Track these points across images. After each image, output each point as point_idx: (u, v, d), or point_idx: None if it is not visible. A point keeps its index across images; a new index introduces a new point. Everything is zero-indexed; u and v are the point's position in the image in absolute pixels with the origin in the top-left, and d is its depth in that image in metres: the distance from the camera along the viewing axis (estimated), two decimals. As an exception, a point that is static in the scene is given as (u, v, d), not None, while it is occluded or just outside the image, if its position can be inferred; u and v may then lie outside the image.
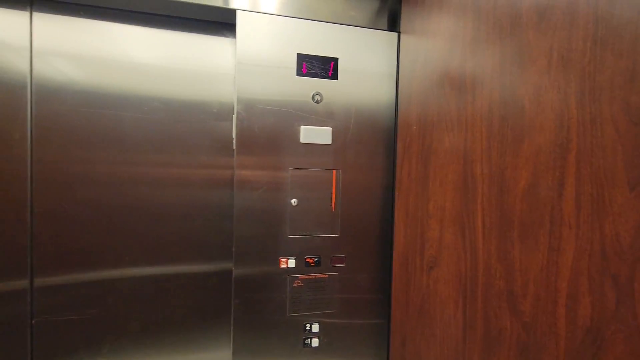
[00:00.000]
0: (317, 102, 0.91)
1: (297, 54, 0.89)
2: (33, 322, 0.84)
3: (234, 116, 0.87)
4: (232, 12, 0.86)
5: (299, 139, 0.90)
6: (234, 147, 0.88)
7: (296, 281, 0.93)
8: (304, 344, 0.94)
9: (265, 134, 0.88)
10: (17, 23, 0.80)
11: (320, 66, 0.90)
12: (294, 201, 0.91)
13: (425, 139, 0.78)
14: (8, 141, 0.81)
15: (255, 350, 0.91)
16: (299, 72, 0.89)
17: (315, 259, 0.94)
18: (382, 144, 0.96)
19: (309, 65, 0.89)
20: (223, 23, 0.93)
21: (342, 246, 0.96)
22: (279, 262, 0.92)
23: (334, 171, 0.93)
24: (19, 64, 0.81)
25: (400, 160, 0.90)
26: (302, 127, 0.90)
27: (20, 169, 0.82)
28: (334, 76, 0.92)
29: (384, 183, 0.97)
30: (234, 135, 0.89)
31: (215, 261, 0.95)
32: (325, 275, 0.95)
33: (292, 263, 0.92)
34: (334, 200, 0.94)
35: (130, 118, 0.87)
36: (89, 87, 0.85)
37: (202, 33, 0.92)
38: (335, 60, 0.91)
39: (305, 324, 0.94)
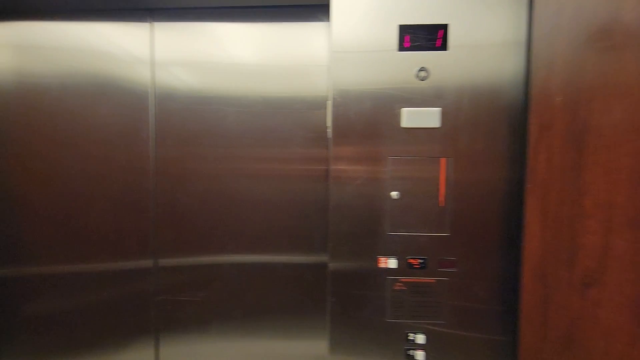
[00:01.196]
0: (421, 79, 0.78)
1: (399, 25, 0.77)
2: (157, 299, 0.94)
3: (329, 102, 0.81)
4: (326, -10, 0.80)
5: (400, 123, 0.79)
6: (329, 136, 0.82)
7: (397, 284, 0.83)
8: (407, 355, 0.83)
9: (362, 119, 0.80)
10: (139, 36, 0.90)
11: (426, 36, 0.77)
12: (394, 194, 0.81)
13: (578, 114, 0.58)
14: (136, 141, 0.91)
15: (353, 350, 0.84)
16: (401, 47, 0.78)
17: (420, 261, 0.82)
18: (505, 126, 0.78)
19: (412, 37, 0.77)
20: (316, 5, 0.87)
21: (453, 248, 0.81)
22: (377, 261, 0.83)
23: (443, 159, 0.79)
24: (143, 74, 0.90)
25: (535, 144, 0.70)
26: (404, 109, 0.79)
27: (145, 165, 0.92)
28: (443, 46, 0.77)
29: (508, 174, 0.78)
30: (328, 124, 0.83)
31: (313, 254, 0.92)
32: (432, 280, 0.82)
33: (392, 263, 0.82)
34: (442, 194, 0.80)
35: (233, 112, 0.90)
36: (198, 88, 0.90)
37: (295, 20, 0.89)
38: (445, 27, 0.77)
39: (408, 332, 0.83)
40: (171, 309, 0.94)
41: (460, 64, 0.77)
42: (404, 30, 0.78)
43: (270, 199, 0.91)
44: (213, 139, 0.90)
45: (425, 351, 0.83)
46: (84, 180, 0.92)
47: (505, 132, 0.78)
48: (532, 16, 0.73)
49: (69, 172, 0.92)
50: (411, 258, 0.82)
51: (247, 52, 0.89)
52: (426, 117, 0.78)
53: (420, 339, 0.83)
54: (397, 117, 0.80)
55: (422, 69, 0.78)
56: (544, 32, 0.69)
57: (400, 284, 0.83)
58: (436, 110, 0.78)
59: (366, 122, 0.80)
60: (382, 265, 0.83)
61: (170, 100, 0.90)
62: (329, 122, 0.82)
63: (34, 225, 0.93)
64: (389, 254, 0.82)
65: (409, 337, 0.83)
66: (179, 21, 0.89)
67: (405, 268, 0.82)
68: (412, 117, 0.79)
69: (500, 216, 0.79)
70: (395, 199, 0.81)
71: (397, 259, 0.82)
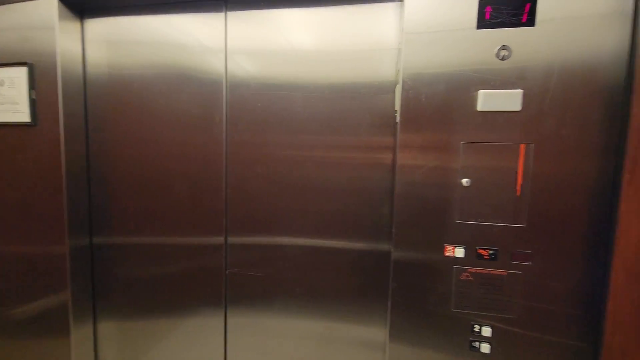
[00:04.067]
0: (502, 58, 0.73)
1: (479, 0, 0.72)
2: (227, 272, 1.02)
3: (398, 86, 0.79)
4: (399, -32, 0.77)
5: (475, 106, 0.75)
6: (397, 120, 0.80)
7: (464, 274, 0.81)
8: (471, 346, 0.81)
9: (433, 103, 0.77)
10: (214, 26, 0.94)
11: (509, 11, 0.71)
12: (465, 181, 0.78)
13: (703, 92, 0.50)
14: (211, 126, 0.98)
15: (414, 338, 0.84)
16: (481, 23, 0.73)
17: (491, 252, 0.78)
18: (602, 109, 0.70)
19: (494, 12, 0.72)
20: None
21: (529, 240, 0.76)
22: (443, 250, 0.81)
23: (523, 145, 0.74)
24: (217, 62, 0.95)
25: (638, 129, 0.62)
26: (481, 91, 0.74)
27: (218, 149, 0.98)
28: (530, 22, 0.71)
29: (601, 162, 0.71)
30: (397, 107, 0.81)
31: (373, 240, 0.92)
32: (503, 272, 0.78)
33: (459, 252, 0.80)
34: (520, 182, 0.75)
35: (300, 97, 0.91)
36: (268, 75, 0.93)
37: (366, 2, 0.87)
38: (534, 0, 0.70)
39: (474, 324, 0.81)
40: (239, 282, 1.01)
41: (549, 41, 0.71)
42: (484, 4, 0.72)
43: (335, 184, 0.92)
44: (281, 124, 0.93)
45: (491, 344, 0.80)
46: (166, 162, 1.01)
47: (600, 116, 0.70)
48: (644, -19, 0.64)
49: (154, 154, 1.01)
50: (481, 248, 0.79)
51: (314, 37, 0.89)
52: (506, 100, 0.73)
53: (487, 331, 0.80)
54: (472, 100, 0.75)
55: (503, 47, 0.72)
56: (660, -1, 0.59)
57: (468, 274, 0.80)
58: (518, 92, 0.72)
59: (438, 105, 0.77)
60: (448, 254, 0.81)
61: (242, 87, 0.94)
62: (397, 106, 0.80)
63: (126, 201, 1.05)
64: (456, 243, 0.80)
65: (475, 329, 0.81)
66: (251, 9, 0.92)
67: (473, 258, 0.79)
68: (490, 100, 0.74)
69: (587, 209, 0.73)
70: (466, 187, 0.78)
71: (465, 249, 0.80)
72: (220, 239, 1.01)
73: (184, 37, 0.96)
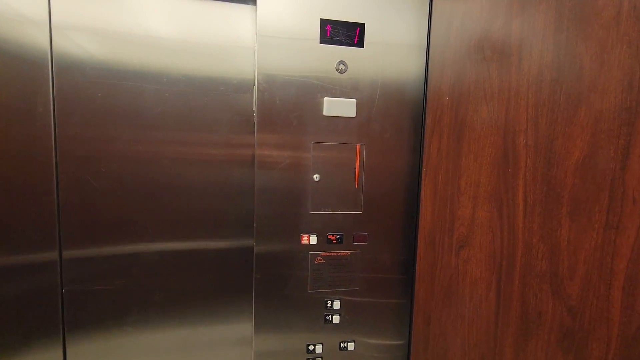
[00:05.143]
0: (341, 72, 0.86)
1: (321, 19, 0.83)
2: (63, 291, 0.86)
3: (255, 87, 0.83)
4: (252, -25, 0.81)
5: (322, 111, 0.86)
6: (255, 120, 0.84)
7: (317, 258, 0.92)
8: (325, 320, 0.94)
9: (287, 106, 0.85)
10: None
11: (345, 32, 0.85)
12: (316, 177, 0.88)
13: (459, 111, 0.73)
14: (34, 117, 0.80)
15: (276, 324, 0.91)
16: (323, 39, 0.84)
17: (337, 236, 0.92)
18: (409, 118, 0.91)
19: (333, 31, 0.84)
20: (242, -12, 0.87)
21: (365, 224, 0.93)
22: (300, 239, 0.90)
23: (358, 146, 0.89)
24: (40, 37, 0.79)
25: (429, 134, 0.84)
26: (326, 98, 0.86)
27: (45, 145, 0.82)
28: (360, 44, 0.86)
29: (410, 159, 0.92)
30: (254, 108, 0.85)
31: (237, 238, 0.94)
32: (347, 252, 0.93)
33: (313, 240, 0.90)
34: (357, 176, 0.90)
35: (150, 90, 0.85)
36: (109, 62, 0.82)
37: (223, 0, 0.87)
38: (362, 26, 0.85)
39: (327, 300, 0.93)
40: (81, 300, 0.87)
41: (374, 61, 0.87)
42: (325, 23, 0.84)
43: (195, 183, 0.90)
44: (129, 118, 0.85)
45: (340, 315, 0.94)
46: (-41, 159, 0.78)
47: (409, 123, 0.91)
48: (430, 26, 0.86)
49: (-63, 149, 0.77)
50: (330, 234, 0.91)
51: (169, 24, 0.85)
52: (344, 107, 0.87)
53: (336, 304, 0.94)
54: (319, 105, 0.86)
55: (341, 62, 0.85)
56: (438, 41, 0.82)
57: (320, 258, 0.92)
58: (353, 101, 0.87)
59: (291, 108, 0.85)
60: (304, 242, 0.90)
61: (76, 73, 0.81)
62: (255, 107, 0.84)
63: None
64: (310, 231, 0.90)
65: (327, 305, 0.93)
66: (84, -16, 0.80)
67: (324, 243, 0.91)
68: (333, 106, 0.86)
69: (403, 195, 0.93)
70: (316, 181, 0.89)
71: (318, 236, 0.91)
72: (52, 254, 0.84)
73: (-17, 2, 0.76)
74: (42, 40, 0.80)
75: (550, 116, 0.50)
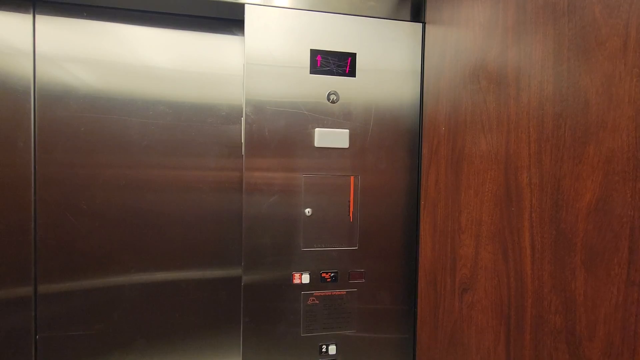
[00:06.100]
0: (332, 102, 0.83)
1: (311, 49, 0.81)
2: (37, 337, 0.80)
3: (243, 119, 0.80)
4: (240, 7, 0.80)
5: (313, 142, 0.83)
6: (243, 152, 0.81)
7: (311, 298, 0.85)
8: (320, 367, 0.86)
9: (276, 137, 0.81)
10: (20, 28, 0.77)
11: (336, 62, 0.82)
12: (307, 211, 0.84)
13: (457, 142, 0.68)
14: (14, 150, 0.78)
15: (267, 370, 0.84)
16: (313, 69, 0.81)
17: (332, 274, 0.85)
18: (405, 149, 0.87)
19: (323, 61, 0.81)
20: (232, 20, 0.86)
21: (361, 260, 0.87)
22: (292, 277, 0.84)
23: (352, 178, 0.85)
24: (22, 69, 0.77)
25: (427, 166, 0.80)
26: (317, 129, 0.82)
27: (23, 182, 0.78)
28: (352, 73, 0.83)
29: (408, 191, 0.87)
30: (242, 140, 0.82)
31: (225, 269, 0.89)
32: (342, 292, 0.86)
33: (306, 279, 0.84)
34: (351, 210, 0.85)
35: (136, 123, 0.82)
36: (94, 94, 0.80)
37: (210, 32, 0.86)
38: (353, 55, 0.83)
39: (322, 345, 0.86)
40: (56, 348, 0.81)
41: (366, 90, 0.84)
42: (315, 53, 0.81)
43: (180, 219, 0.85)
44: (113, 152, 0.81)
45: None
46: None
47: (405, 153, 0.87)
48: (423, 52, 0.84)
49: None
50: (324, 272, 0.85)
51: (153, 56, 0.83)
52: (337, 138, 0.83)
53: (332, 349, 0.86)
54: (310, 136, 0.83)
55: (332, 93, 0.83)
56: (432, 68, 0.79)
57: (314, 298, 0.85)
58: (345, 132, 0.83)
59: (280, 140, 0.81)
60: (296, 281, 0.84)
61: (59, 106, 0.79)
62: (243, 139, 0.81)
63: None
64: (303, 269, 0.84)
65: (322, 350, 0.86)
66: (70, 18, 0.79)
67: (318, 282, 0.85)
68: (324, 138, 0.82)
69: (401, 229, 0.88)
70: (308, 216, 0.84)
71: (311, 274, 0.85)
72: (26, 290, 0.79)
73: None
74: (26, 71, 0.78)
75: (555, 153, 0.45)
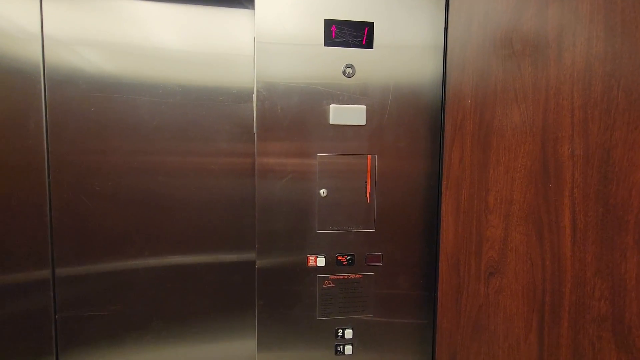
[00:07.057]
0: (348, 76, 0.78)
1: (325, 19, 0.76)
2: (57, 317, 0.81)
3: (254, 96, 0.77)
4: (249, -25, 0.75)
5: (328, 120, 0.78)
6: (255, 131, 0.78)
7: (326, 281, 0.83)
8: (336, 351, 0.84)
9: (289, 115, 0.77)
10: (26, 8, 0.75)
11: (352, 33, 0.77)
12: (323, 192, 0.80)
13: (485, 116, 0.63)
14: (26, 133, 0.77)
15: (281, 348, 0.82)
16: (327, 41, 0.76)
17: (348, 257, 0.82)
18: (426, 125, 0.81)
19: (338, 32, 0.76)
20: (241, -9, 0.82)
21: (379, 243, 0.83)
22: (307, 260, 0.82)
23: (369, 157, 0.81)
24: (31, 51, 0.76)
25: (450, 142, 0.74)
26: (332, 106, 0.78)
27: (37, 161, 0.78)
28: (369, 45, 0.78)
29: (428, 170, 0.82)
30: (254, 118, 0.78)
31: (239, 252, 0.87)
32: (359, 275, 0.83)
33: (321, 261, 0.82)
34: (369, 191, 0.81)
35: (145, 102, 0.80)
36: (103, 74, 0.78)
37: (219, 5, 0.82)
38: (370, 25, 0.77)
39: (338, 329, 0.84)
40: (76, 328, 0.82)
41: (384, 64, 0.79)
42: (330, 23, 0.76)
43: (194, 196, 0.84)
44: (125, 132, 0.80)
45: (353, 345, 0.84)
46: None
47: (426, 131, 0.82)
48: (447, 22, 0.77)
49: None
50: (340, 255, 0.82)
51: (162, 35, 0.80)
52: (353, 115, 0.78)
53: (349, 333, 0.84)
54: (325, 113, 0.78)
55: (348, 66, 0.77)
56: (457, 38, 0.72)
57: (330, 282, 0.83)
58: (362, 108, 0.78)
59: (294, 118, 0.77)
60: (311, 264, 0.82)
61: (69, 86, 0.77)
62: (255, 117, 0.77)
63: None
64: (318, 252, 0.82)
65: (339, 334, 0.84)
66: (76, -6, 0.76)
67: (334, 265, 0.82)
68: (340, 114, 0.78)
69: (421, 210, 0.83)
70: (323, 197, 0.80)
71: (326, 257, 0.82)
72: (44, 272, 0.80)
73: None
74: (35, 53, 0.76)
75: (605, 119, 0.40)
